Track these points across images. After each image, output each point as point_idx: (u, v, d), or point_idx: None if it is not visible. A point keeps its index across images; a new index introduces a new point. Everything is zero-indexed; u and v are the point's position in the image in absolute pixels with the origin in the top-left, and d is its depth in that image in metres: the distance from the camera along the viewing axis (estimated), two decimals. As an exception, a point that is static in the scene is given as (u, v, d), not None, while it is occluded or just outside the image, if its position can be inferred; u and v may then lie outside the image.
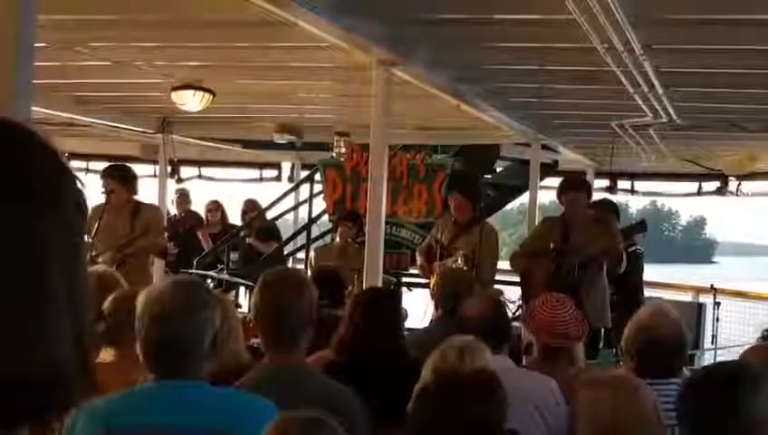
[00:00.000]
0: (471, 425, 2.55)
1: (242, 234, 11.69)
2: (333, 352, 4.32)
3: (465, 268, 7.55)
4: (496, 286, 8.84)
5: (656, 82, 6.18)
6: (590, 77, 6.41)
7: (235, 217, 12.04)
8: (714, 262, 79.01)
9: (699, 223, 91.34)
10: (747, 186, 12.60)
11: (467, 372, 2.81)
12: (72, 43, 6.18)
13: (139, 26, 5.74)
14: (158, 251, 8.51)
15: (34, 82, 3.29)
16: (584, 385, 3.27)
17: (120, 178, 7.81)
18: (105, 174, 7.83)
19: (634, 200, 11.29)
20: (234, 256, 11.29)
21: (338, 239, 9.26)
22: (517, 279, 8.31)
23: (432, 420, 2.59)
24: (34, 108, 6.83)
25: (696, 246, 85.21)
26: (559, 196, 7.95)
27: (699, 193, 13.25)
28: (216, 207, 11.84)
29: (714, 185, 12.90)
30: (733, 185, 12.63)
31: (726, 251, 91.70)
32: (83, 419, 2.64)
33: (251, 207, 11.92)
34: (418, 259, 8.44)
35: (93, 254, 7.37)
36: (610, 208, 8.88)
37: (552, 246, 7.70)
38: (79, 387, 1.05)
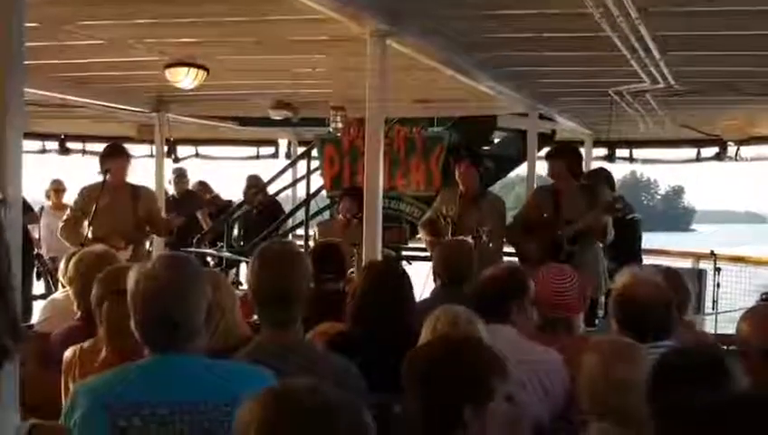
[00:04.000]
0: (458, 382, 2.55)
1: (243, 209, 11.74)
2: (346, 323, 4.31)
3: (490, 245, 7.58)
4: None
5: (652, 47, 6.13)
6: (585, 44, 6.36)
7: (234, 195, 12.15)
8: (692, 230, 79.73)
9: (677, 192, 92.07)
10: (746, 151, 12.58)
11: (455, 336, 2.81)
12: (62, 23, 6.13)
13: (129, 3, 5.69)
14: (166, 233, 8.62)
15: (27, 63, 3.27)
16: (585, 351, 3.28)
17: (128, 157, 7.85)
18: (113, 153, 7.80)
19: (615, 169, 11.41)
20: (236, 233, 11.37)
21: (340, 215, 9.30)
22: (513, 250, 8.32)
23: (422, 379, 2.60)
24: (29, 89, 6.81)
25: (675, 215, 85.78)
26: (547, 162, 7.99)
27: (698, 159, 13.23)
28: (202, 187, 11.91)
29: (712, 150, 12.88)
30: (731, 150, 12.61)
31: (704, 219, 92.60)
32: (81, 397, 2.63)
33: (255, 182, 12.01)
34: (423, 234, 8.42)
35: (91, 237, 7.36)
36: (603, 178, 8.87)
37: (544, 216, 7.70)
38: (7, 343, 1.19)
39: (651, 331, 3.69)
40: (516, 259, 8.18)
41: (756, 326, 3.28)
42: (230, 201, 12.24)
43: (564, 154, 8.06)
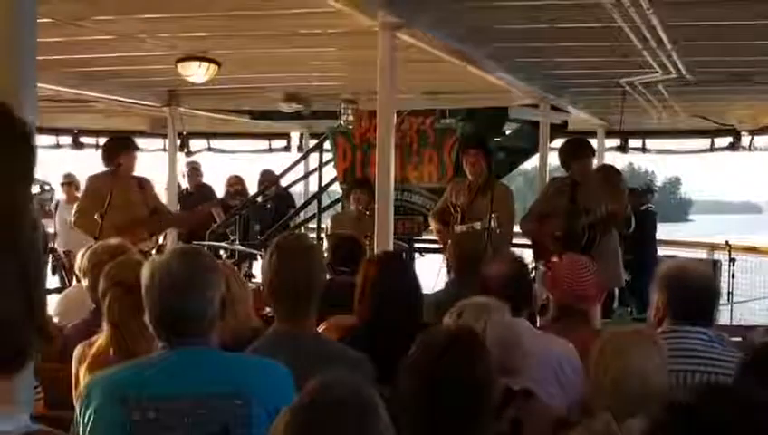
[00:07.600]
0: (456, 386, 2.54)
1: (268, 205, 11.84)
2: (356, 316, 4.31)
3: (498, 230, 7.55)
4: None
5: (664, 38, 6.11)
6: (597, 34, 6.34)
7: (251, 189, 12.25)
8: (689, 220, 79.81)
9: (674, 183, 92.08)
10: (760, 140, 12.52)
11: (447, 332, 2.78)
12: (74, 18, 6.15)
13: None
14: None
15: (40, 58, 3.27)
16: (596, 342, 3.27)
17: (136, 149, 7.87)
18: (125, 147, 7.79)
19: (618, 161, 11.49)
20: (257, 227, 11.45)
21: (352, 207, 9.29)
22: (528, 241, 8.29)
23: (417, 388, 2.58)
24: (42, 85, 6.80)
25: (672, 206, 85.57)
26: (567, 161, 7.81)
27: (712, 149, 13.16)
28: (237, 181, 12.01)
29: (726, 140, 12.82)
30: (745, 140, 12.55)
31: (701, 210, 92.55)
32: (98, 390, 2.63)
33: (267, 177, 12.11)
34: (433, 224, 8.42)
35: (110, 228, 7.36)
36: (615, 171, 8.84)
37: (559, 206, 7.66)
38: (29, 334, 1.26)
39: (699, 317, 3.68)
40: (530, 250, 8.18)
41: None
42: (244, 196, 12.29)
43: (590, 148, 8.03)
